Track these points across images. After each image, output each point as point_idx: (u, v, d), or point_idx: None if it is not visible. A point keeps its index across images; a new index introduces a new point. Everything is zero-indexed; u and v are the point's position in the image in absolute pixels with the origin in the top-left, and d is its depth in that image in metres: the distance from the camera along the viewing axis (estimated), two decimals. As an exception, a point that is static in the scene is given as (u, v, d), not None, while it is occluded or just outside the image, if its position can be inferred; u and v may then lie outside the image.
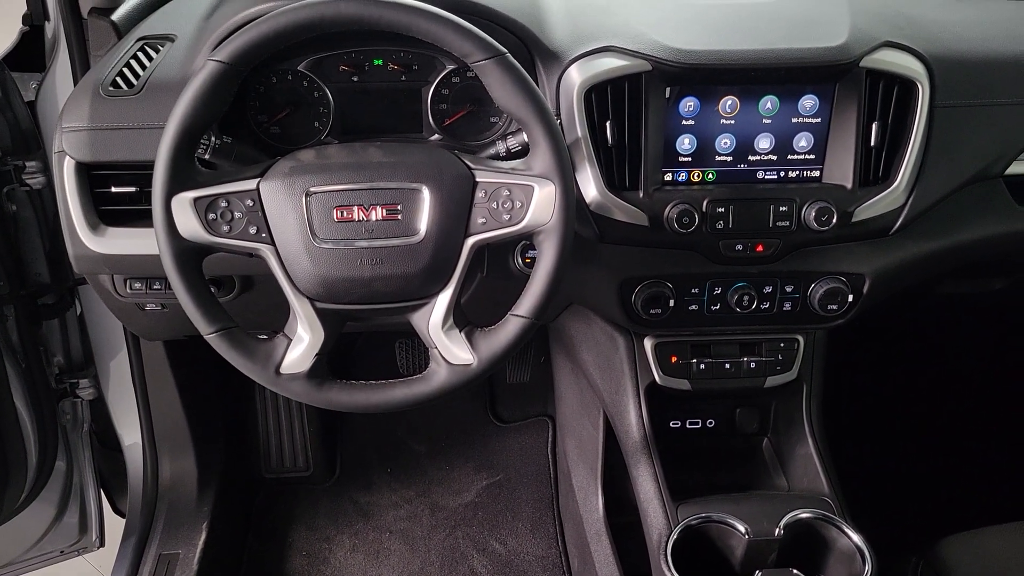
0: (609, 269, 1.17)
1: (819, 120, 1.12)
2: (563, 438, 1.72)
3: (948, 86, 1.13)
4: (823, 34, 1.09)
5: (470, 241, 0.97)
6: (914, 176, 1.13)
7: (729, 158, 1.14)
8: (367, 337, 2.02)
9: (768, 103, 1.12)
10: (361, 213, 0.95)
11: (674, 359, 1.25)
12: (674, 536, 1.13)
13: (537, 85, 1.11)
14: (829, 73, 1.09)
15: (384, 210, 0.95)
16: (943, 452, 1.85)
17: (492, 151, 1.09)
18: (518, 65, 0.95)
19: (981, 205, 1.20)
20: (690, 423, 1.38)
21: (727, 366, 1.25)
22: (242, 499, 1.84)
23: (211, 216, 0.94)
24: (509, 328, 0.99)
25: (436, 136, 1.19)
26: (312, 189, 0.95)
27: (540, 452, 1.95)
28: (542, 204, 0.96)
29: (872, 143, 1.11)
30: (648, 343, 1.25)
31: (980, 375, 1.93)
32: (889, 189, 1.12)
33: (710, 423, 1.38)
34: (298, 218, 0.95)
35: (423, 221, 0.96)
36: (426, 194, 0.96)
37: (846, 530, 1.13)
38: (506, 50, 0.94)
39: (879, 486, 1.68)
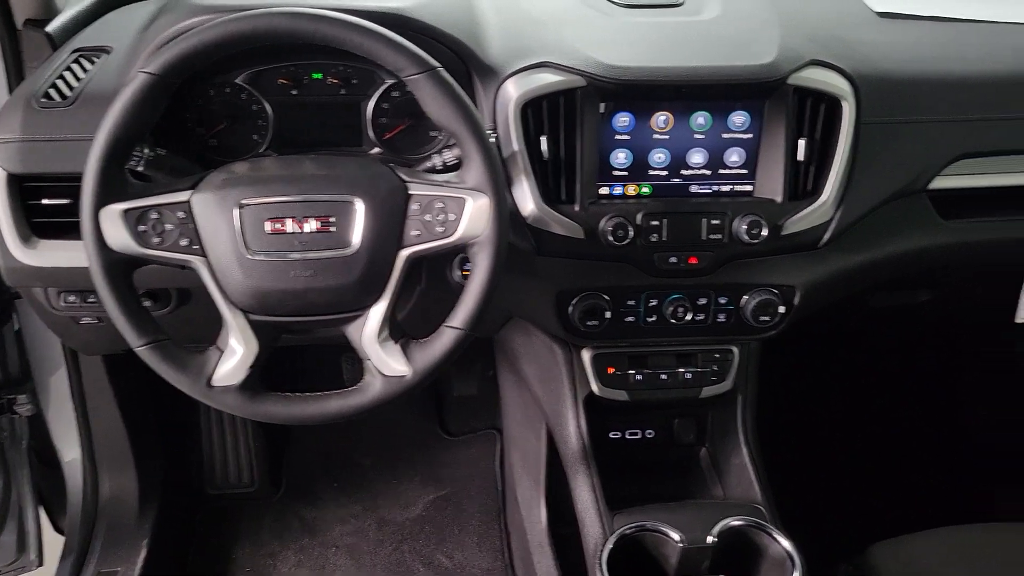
0: (546, 281, 1.19)
1: (750, 136, 1.15)
2: (509, 450, 1.72)
3: (873, 103, 1.17)
4: (752, 53, 1.12)
5: (404, 253, 0.98)
6: (841, 190, 1.16)
7: (664, 172, 1.16)
8: (314, 351, 2.01)
9: (700, 119, 1.14)
10: (294, 225, 0.96)
11: (611, 370, 1.27)
12: (609, 545, 1.14)
13: (474, 100, 1.13)
14: (758, 90, 1.12)
15: (317, 222, 0.96)
16: (875, 460, 1.89)
17: (429, 164, 1.10)
18: (451, 79, 0.96)
19: (907, 219, 1.24)
20: (630, 434, 1.39)
21: (664, 377, 1.27)
22: (184, 516, 1.81)
23: (141, 228, 0.94)
24: (444, 340, 1.00)
25: (376, 150, 1.20)
26: (244, 201, 0.95)
27: (488, 465, 1.96)
28: (475, 216, 0.97)
29: (800, 158, 1.14)
30: (586, 355, 1.27)
31: (909, 385, 1.98)
32: (817, 203, 1.15)
33: (649, 434, 1.39)
34: (230, 230, 0.95)
35: (357, 233, 0.96)
36: (359, 207, 0.96)
37: (777, 536, 1.15)
38: (439, 64, 0.95)
39: (814, 494, 1.71)
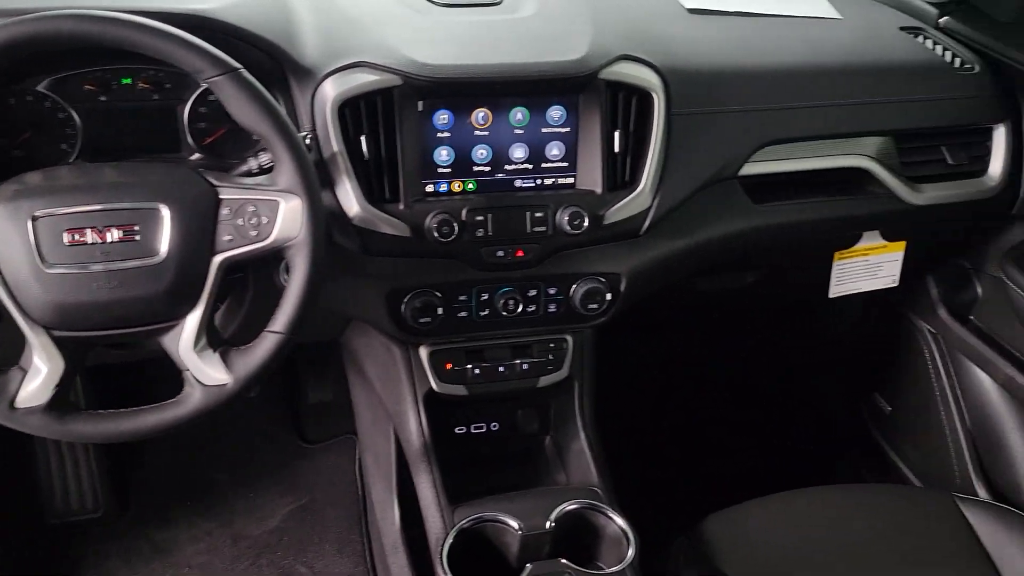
0: (376, 281, 1.19)
1: (568, 129, 1.18)
2: (363, 454, 1.71)
3: (683, 96, 1.22)
4: (564, 48, 1.15)
5: (217, 259, 0.96)
6: (657, 180, 1.21)
7: (487, 168, 1.18)
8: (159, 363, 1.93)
9: (518, 114, 1.17)
10: (95, 236, 0.92)
11: (449, 366, 1.27)
12: (449, 540, 1.14)
13: (291, 101, 1.12)
14: (571, 85, 1.15)
15: (120, 231, 0.93)
16: (712, 437, 1.99)
17: (244, 168, 1.08)
18: (253, 80, 0.95)
19: (722, 205, 1.30)
20: (474, 428, 1.41)
21: (501, 369, 1.29)
22: (21, 548, 1.71)
23: None
24: (265, 345, 0.98)
25: (197, 155, 1.17)
26: (38, 213, 0.90)
27: (348, 470, 1.94)
28: (289, 218, 0.96)
29: (616, 150, 1.18)
30: (423, 352, 1.27)
31: (739, 363, 2.08)
32: (635, 192, 1.20)
33: (494, 426, 1.41)
34: (24, 244, 0.90)
35: (164, 241, 0.94)
36: (165, 213, 0.94)
37: (612, 516, 1.19)
38: (239, 65, 0.94)
39: (654, 472, 1.78)
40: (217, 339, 0.99)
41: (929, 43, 1.43)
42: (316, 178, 0.98)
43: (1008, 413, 1.53)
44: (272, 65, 1.12)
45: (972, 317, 1.59)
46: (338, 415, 2.00)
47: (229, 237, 0.96)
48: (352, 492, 1.89)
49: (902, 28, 1.46)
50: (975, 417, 1.60)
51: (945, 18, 1.46)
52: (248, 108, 0.94)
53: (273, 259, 1.12)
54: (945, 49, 1.41)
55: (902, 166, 1.36)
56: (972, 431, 1.61)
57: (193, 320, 0.96)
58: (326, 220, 1.03)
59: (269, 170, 1.05)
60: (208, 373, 0.97)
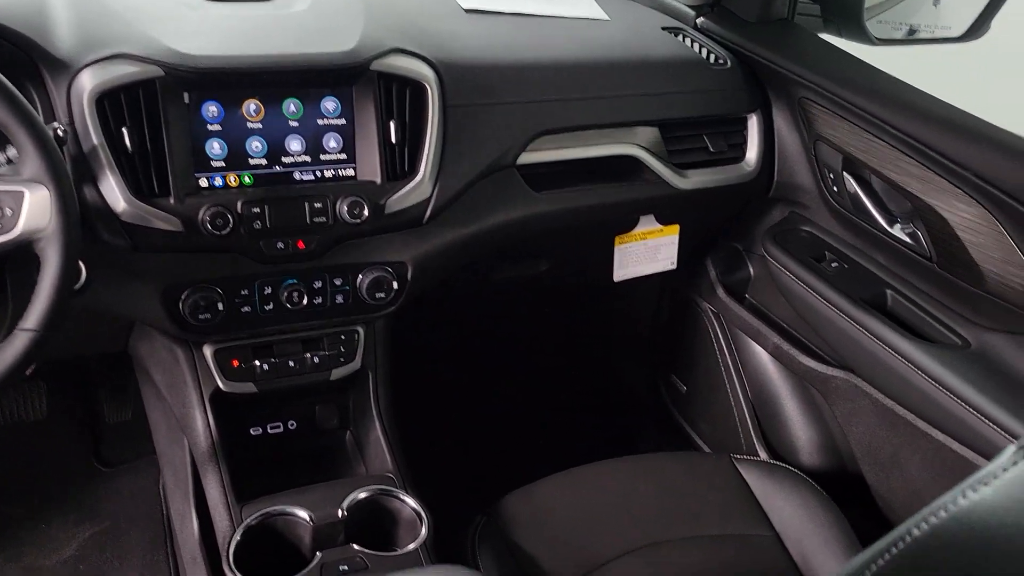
0: (149, 278, 1.15)
1: (344, 121, 1.20)
2: (163, 468, 1.64)
3: (457, 88, 1.26)
4: (335, 40, 1.17)
5: None
6: (436, 169, 1.24)
7: (263, 161, 1.17)
8: None
9: (291, 106, 1.17)
10: None
11: (236, 363, 1.25)
12: (236, 538, 1.12)
13: (45, 94, 1.08)
14: (342, 76, 1.17)
15: None
16: (517, 421, 2.04)
17: (-9, 161, 1.03)
18: None
19: (503, 192, 1.35)
20: (272, 428, 1.39)
21: (291, 364, 1.28)
22: None
23: None
24: (16, 344, 0.94)
25: None
26: None
27: (152, 491, 1.85)
28: (36, 209, 0.92)
29: (394, 140, 1.21)
30: (208, 350, 1.25)
31: (542, 348, 2.16)
32: (415, 182, 1.22)
33: (291, 425, 1.40)
34: None
35: None
36: None
37: (404, 499, 1.20)
38: None
39: (459, 459, 1.82)
40: (-39, 342, 0.93)
41: (688, 41, 1.55)
42: (65, 167, 0.95)
43: (779, 380, 1.66)
44: (22, 57, 1.07)
45: (747, 295, 1.72)
46: (139, 434, 1.90)
47: (-31, 232, 0.91)
48: (156, 512, 1.81)
49: (664, 28, 1.57)
50: (754, 388, 1.73)
51: (701, 19, 1.59)
52: None
53: (27, 254, 1.07)
54: (701, 47, 1.53)
55: (669, 154, 1.46)
56: (753, 401, 1.74)
57: (-70, 323, 0.91)
58: (82, 212, 0.99)
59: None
60: (-54, 378, 0.91)
